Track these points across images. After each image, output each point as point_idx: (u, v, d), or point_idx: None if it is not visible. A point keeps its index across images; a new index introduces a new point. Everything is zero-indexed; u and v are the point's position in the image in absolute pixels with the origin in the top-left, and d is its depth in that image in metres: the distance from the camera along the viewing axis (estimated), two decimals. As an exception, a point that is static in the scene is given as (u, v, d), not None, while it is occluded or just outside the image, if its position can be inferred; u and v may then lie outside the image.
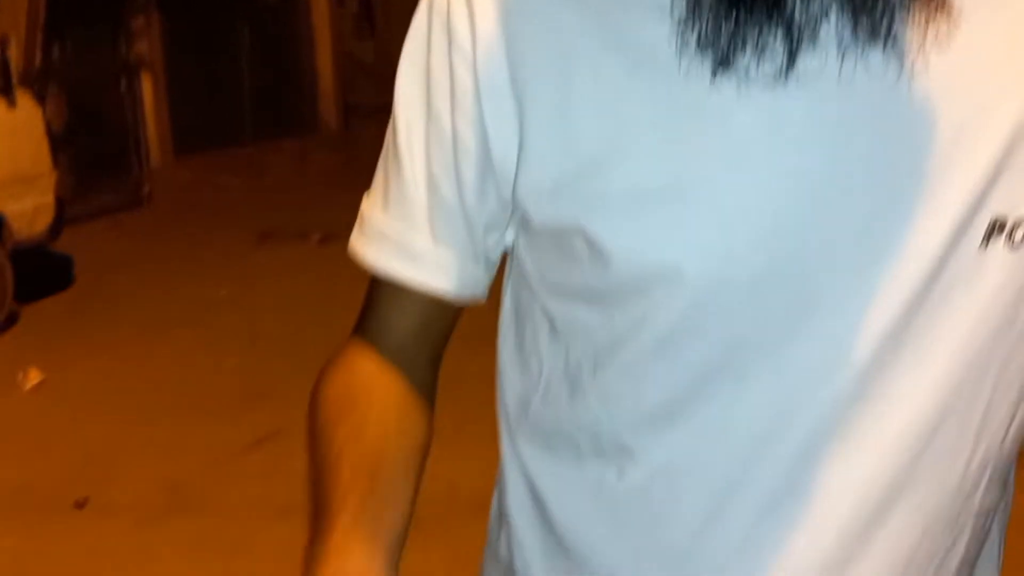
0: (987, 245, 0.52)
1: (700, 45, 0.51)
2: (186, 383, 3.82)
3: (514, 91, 0.58)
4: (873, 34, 0.49)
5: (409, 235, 0.63)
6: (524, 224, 0.61)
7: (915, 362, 0.54)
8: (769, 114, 0.52)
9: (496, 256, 0.66)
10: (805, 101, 0.51)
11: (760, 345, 0.55)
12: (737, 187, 0.53)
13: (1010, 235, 0.52)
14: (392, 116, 0.64)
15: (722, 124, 0.53)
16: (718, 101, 0.53)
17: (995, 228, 0.52)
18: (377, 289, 0.67)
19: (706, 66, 0.52)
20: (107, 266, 5.47)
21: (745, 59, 0.50)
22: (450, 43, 0.59)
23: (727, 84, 0.52)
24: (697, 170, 0.54)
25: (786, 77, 0.51)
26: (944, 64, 0.50)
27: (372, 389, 0.65)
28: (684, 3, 0.52)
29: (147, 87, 7.88)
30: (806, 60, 0.50)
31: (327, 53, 9.98)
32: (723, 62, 0.51)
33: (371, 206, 0.66)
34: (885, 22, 0.48)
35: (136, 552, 2.67)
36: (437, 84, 0.60)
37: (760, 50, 0.50)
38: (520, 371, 0.67)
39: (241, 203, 6.90)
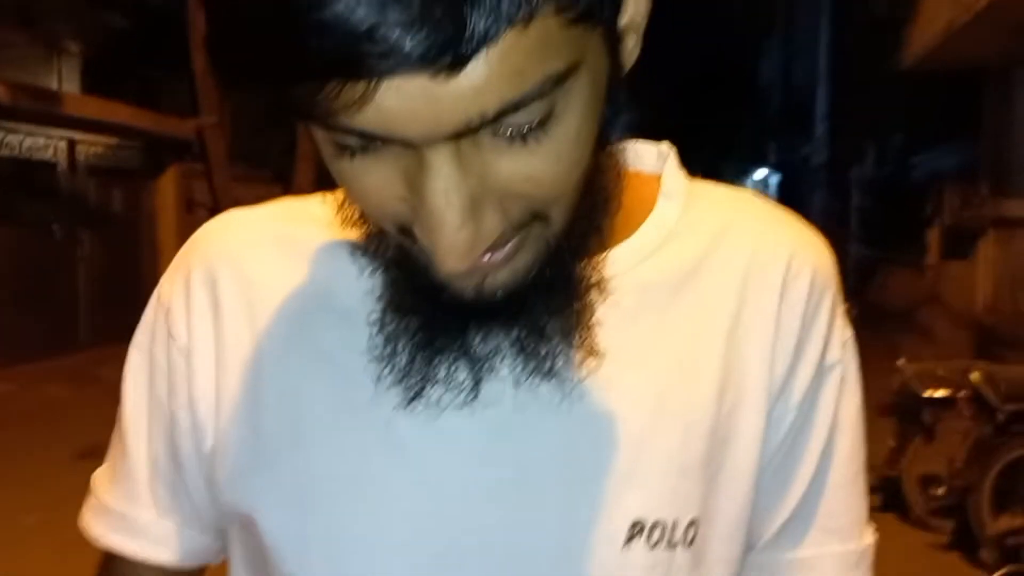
0: (629, 545, 0.59)
1: (395, 380, 0.58)
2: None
3: (216, 383, 0.64)
4: (539, 370, 0.57)
5: (133, 510, 0.69)
6: (221, 509, 0.66)
7: None
8: (450, 433, 0.59)
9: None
10: (485, 423, 0.59)
11: None
12: (401, 489, 0.59)
13: (648, 536, 0.59)
14: (121, 398, 0.70)
15: (399, 437, 0.59)
16: (404, 420, 0.59)
17: (635, 530, 0.59)
18: (109, 561, 0.71)
19: (399, 396, 0.58)
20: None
21: (436, 391, 0.58)
22: (169, 335, 0.66)
23: (417, 409, 0.58)
24: (363, 471, 0.60)
25: (471, 404, 0.58)
26: (594, 390, 0.60)
27: None
28: (382, 341, 0.58)
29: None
30: (487, 389, 0.58)
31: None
32: (417, 394, 0.58)
33: (100, 481, 0.72)
34: (548, 362, 0.57)
35: None
36: (158, 370, 0.67)
37: (448, 383, 0.58)
38: None
39: (66, 416, 6.48)
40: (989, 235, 8.86)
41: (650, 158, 0.68)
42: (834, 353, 0.65)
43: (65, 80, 9.40)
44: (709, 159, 22.53)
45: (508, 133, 0.46)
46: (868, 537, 0.69)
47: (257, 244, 0.66)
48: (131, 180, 10.33)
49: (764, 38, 26.53)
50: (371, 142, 0.46)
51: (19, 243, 8.34)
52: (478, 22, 0.40)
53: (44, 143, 9.09)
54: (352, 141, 0.46)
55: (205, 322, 0.65)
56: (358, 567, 0.59)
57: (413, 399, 0.58)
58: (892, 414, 4.40)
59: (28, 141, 8.89)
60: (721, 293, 0.63)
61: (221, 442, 0.64)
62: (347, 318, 0.61)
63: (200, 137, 8.39)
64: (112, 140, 9.92)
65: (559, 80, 0.45)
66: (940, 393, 4.19)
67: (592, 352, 0.58)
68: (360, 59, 0.40)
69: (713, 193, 0.68)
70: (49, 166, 9.20)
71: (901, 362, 4.45)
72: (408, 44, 0.40)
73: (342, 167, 0.49)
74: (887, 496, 4.35)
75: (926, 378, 4.27)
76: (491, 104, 0.43)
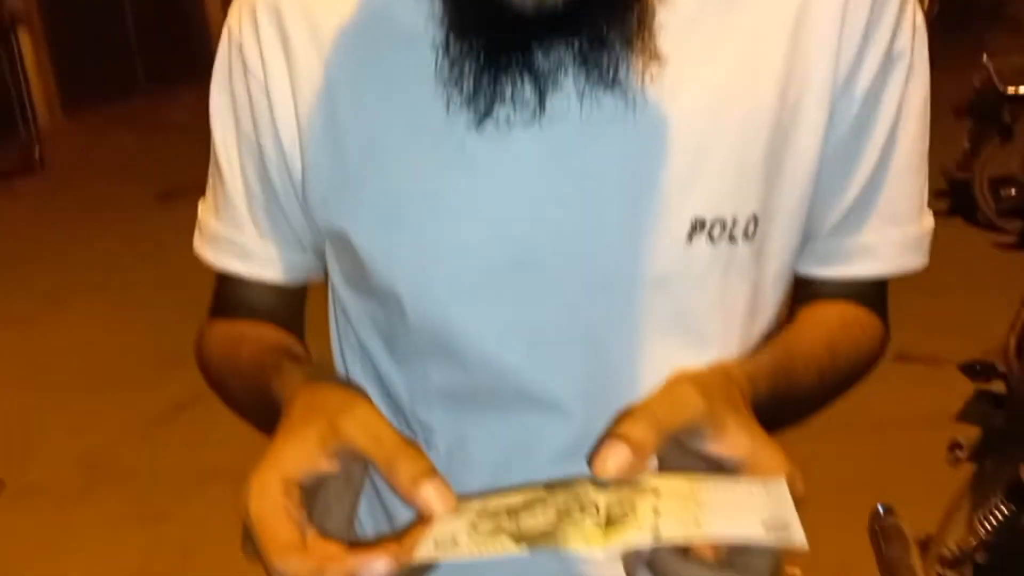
0: (691, 241, 0.62)
1: (464, 101, 0.60)
2: (97, 353, 3.74)
3: (296, 112, 0.67)
4: (602, 81, 0.59)
5: (239, 235, 0.74)
6: (315, 226, 0.71)
7: (638, 341, 0.64)
8: (519, 148, 0.61)
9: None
10: (552, 137, 0.61)
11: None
12: (476, 202, 0.62)
13: (710, 232, 0.62)
14: (211, 133, 0.74)
15: (471, 154, 0.62)
16: (475, 139, 0.61)
17: (697, 227, 0.62)
18: (224, 283, 0.77)
19: (469, 117, 0.61)
20: (3, 236, 5.25)
21: (504, 110, 0.60)
22: (245, 71, 0.69)
23: (487, 129, 0.61)
24: (442, 186, 0.63)
25: (538, 120, 0.60)
26: (656, 96, 0.61)
27: (256, 328, 0.74)
28: (447, 64, 0.60)
29: (26, 44, 7.47)
30: (553, 104, 0.60)
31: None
32: (486, 114, 0.60)
33: (206, 212, 0.77)
34: (611, 71, 0.59)
35: (59, 532, 2.65)
36: (241, 105, 0.70)
37: (515, 100, 0.60)
38: (340, 355, 0.77)
39: (139, 160, 6.66)
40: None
41: None
42: (903, 41, 0.64)
43: None
44: None
45: None
46: (927, 222, 0.71)
47: None
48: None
49: None
50: None
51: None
52: None
53: None
54: None
55: (277, 54, 0.67)
56: (440, 273, 0.64)
57: (483, 119, 0.60)
58: (970, 114, 4.25)
59: None
60: None
61: (308, 167, 0.67)
62: (411, 42, 0.62)
63: None
64: None
65: None
66: (1024, 89, 4.00)
67: (654, 58, 0.59)
68: None
69: None
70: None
71: (985, 58, 4.22)
72: None
73: None
74: (956, 200, 4.31)
75: (1010, 74, 4.07)
76: None
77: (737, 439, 0.51)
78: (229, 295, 0.77)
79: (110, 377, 3.52)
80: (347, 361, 0.76)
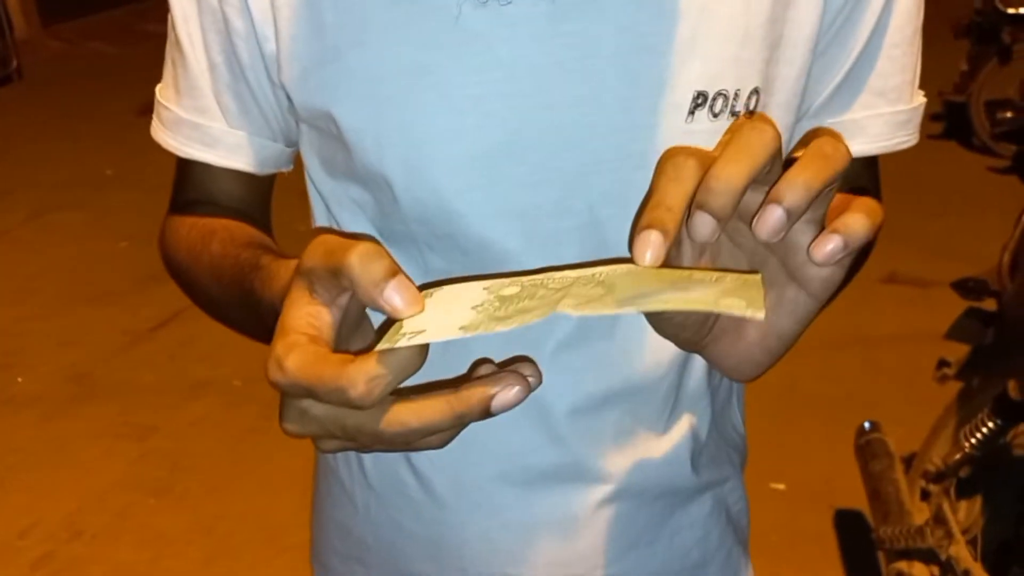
0: (693, 115, 0.60)
1: None
2: (81, 269, 3.70)
3: None
4: None
5: (204, 120, 0.68)
6: (292, 110, 0.66)
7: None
8: (516, 18, 0.58)
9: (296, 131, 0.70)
10: (549, 6, 0.58)
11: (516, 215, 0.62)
12: (470, 75, 0.59)
13: (711, 105, 0.60)
14: (169, 8, 0.67)
15: (465, 25, 0.58)
16: (470, 9, 0.58)
17: (699, 101, 0.60)
18: (187, 172, 0.72)
19: None
20: (-19, 150, 5.14)
21: None
22: None
23: (478, 4, 0.57)
24: (432, 60, 0.59)
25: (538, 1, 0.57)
26: None
27: (224, 222, 0.69)
28: None
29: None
30: None
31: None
32: None
33: (165, 95, 0.71)
34: None
35: (46, 445, 2.65)
36: None
37: None
38: None
39: (118, 72, 6.49)
40: None
41: None
42: None
43: None
44: None
45: None
46: (918, 99, 0.70)
47: None
48: None
49: None
50: None
51: None
52: None
53: None
54: None
55: None
56: (432, 152, 0.60)
57: None
58: (968, 34, 4.17)
59: None
60: None
61: (284, 42, 0.62)
62: None
63: None
64: None
65: None
66: (1024, 9, 3.93)
67: None
68: None
69: None
70: None
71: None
72: None
73: None
74: (951, 123, 4.27)
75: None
76: None
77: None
78: (192, 185, 0.72)
79: (94, 293, 3.48)
80: None
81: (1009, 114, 4.11)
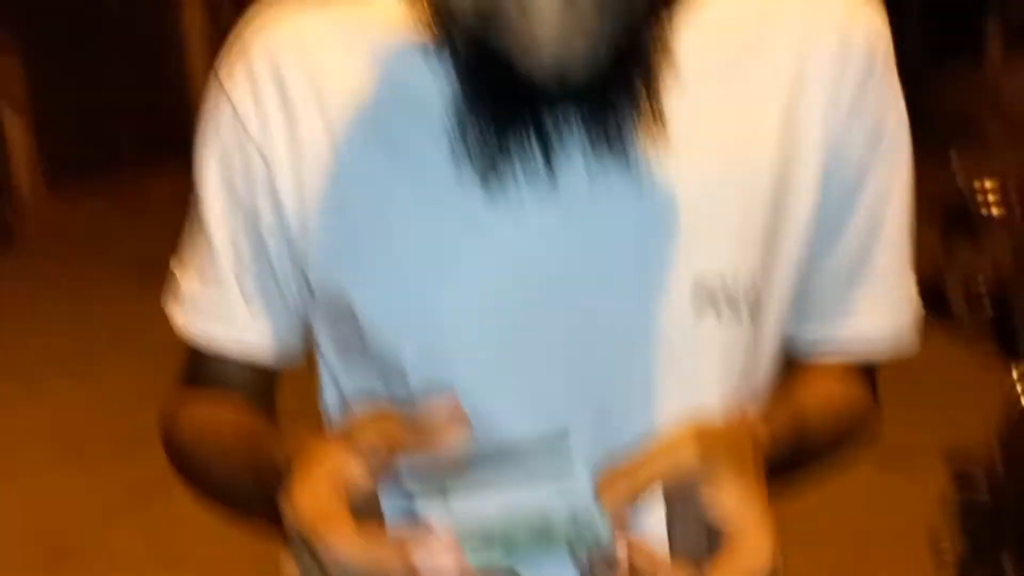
0: (695, 312, 0.63)
1: (474, 171, 0.60)
2: (67, 435, 3.66)
3: (297, 178, 0.65)
4: (611, 149, 0.59)
5: (224, 302, 0.69)
6: (310, 292, 0.68)
7: (646, 415, 0.64)
8: (528, 219, 0.62)
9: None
10: (560, 208, 0.62)
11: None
12: (485, 268, 0.62)
13: (713, 302, 0.63)
14: (196, 191, 0.69)
15: (481, 223, 0.62)
16: (485, 209, 0.61)
17: (701, 293, 0.63)
18: (199, 356, 0.72)
19: (478, 186, 0.61)
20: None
21: (514, 182, 0.60)
22: (241, 130, 0.66)
23: (497, 196, 0.61)
24: (449, 251, 0.62)
25: (548, 193, 0.61)
26: (661, 162, 0.62)
27: (237, 410, 0.70)
28: (458, 134, 0.60)
29: (10, 118, 7.48)
30: (562, 176, 0.61)
31: (201, 66, 9.64)
32: (497, 183, 0.60)
33: (186, 278, 0.72)
34: (618, 141, 0.59)
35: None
36: (234, 165, 0.67)
37: (525, 172, 0.60)
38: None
39: (122, 236, 6.62)
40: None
41: None
42: (891, 121, 0.68)
43: None
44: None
45: None
46: (916, 307, 0.74)
47: (322, 35, 0.65)
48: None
49: None
50: None
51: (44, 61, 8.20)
52: None
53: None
54: None
55: (276, 115, 0.65)
56: (447, 339, 0.63)
57: (494, 188, 0.60)
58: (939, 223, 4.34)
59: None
60: (779, 61, 0.65)
61: (310, 232, 0.65)
62: (422, 112, 0.63)
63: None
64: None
65: None
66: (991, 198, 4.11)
67: (659, 122, 0.60)
68: None
69: None
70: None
71: (955, 162, 4.35)
72: None
73: None
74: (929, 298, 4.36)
75: (978, 183, 4.18)
76: None
77: (726, 497, 0.52)
78: (202, 369, 0.72)
79: (78, 460, 3.42)
80: None
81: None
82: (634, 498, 0.52)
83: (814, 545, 2.71)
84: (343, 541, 0.47)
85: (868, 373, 0.76)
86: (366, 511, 0.50)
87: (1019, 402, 1.90)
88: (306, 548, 0.48)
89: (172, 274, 0.73)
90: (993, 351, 4.19)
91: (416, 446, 0.53)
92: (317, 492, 0.50)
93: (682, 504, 0.53)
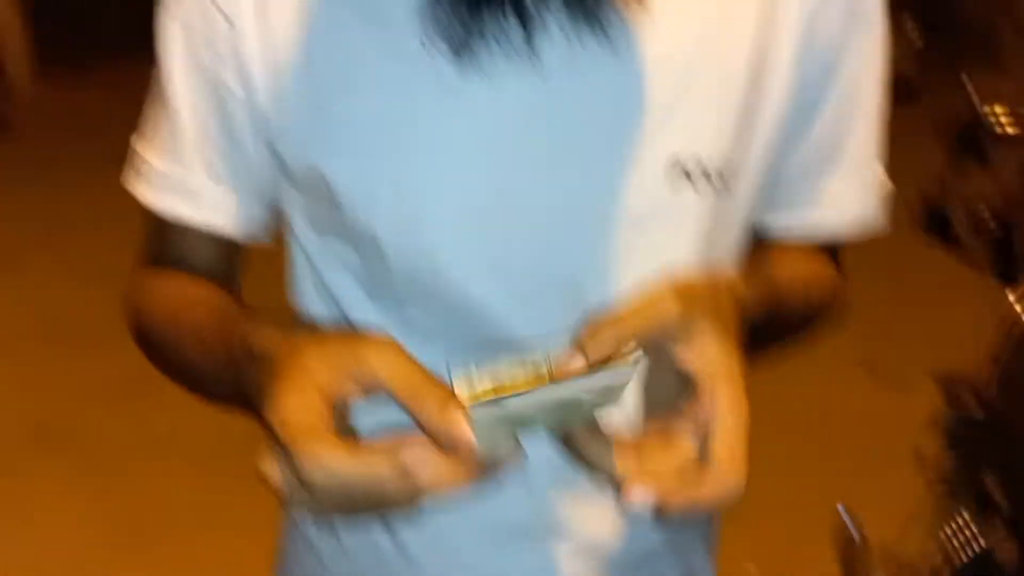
0: (671, 183, 0.62)
1: (444, 31, 0.58)
2: (51, 314, 3.64)
3: (263, 43, 0.62)
4: (589, 22, 0.58)
5: (186, 174, 0.67)
6: (282, 168, 0.65)
7: (617, 288, 0.63)
8: (503, 85, 0.59)
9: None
10: (535, 77, 0.60)
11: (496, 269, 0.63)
12: (456, 136, 0.60)
13: (687, 174, 0.62)
14: (157, 62, 0.66)
15: (451, 85, 0.59)
16: (456, 71, 0.59)
17: (675, 169, 0.62)
18: (162, 230, 0.71)
19: (445, 49, 0.58)
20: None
21: (488, 44, 0.58)
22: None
23: (469, 61, 0.59)
24: (419, 114, 0.60)
25: (523, 56, 0.59)
26: (639, 36, 0.60)
27: (204, 288, 0.68)
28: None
29: (2, 6, 7.30)
30: (540, 46, 0.59)
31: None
32: (462, 49, 0.58)
33: (148, 148, 0.69)
34: (597, 13, 0.58)
35: (3, 498, 2.56)
36: (197, 34, 0.64)
37: (499, 35, 0.58)
38: (303, 307, 0.72)
39: (113, 124, 6.48)
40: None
41: None
42: (867, 3, 0.67)
43: None
44: None
45: None
46: (883, 182, 0.74)
47: None
48: None
49: None
50: None
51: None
52: None
53: None
54: None
55: None
56: (422, 209, 0.61)
57: (465, 55, 0.58)
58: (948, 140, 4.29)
59: None
60: None
61: (278, 99, 0.62)
62: None
63: None
64: None
65: None
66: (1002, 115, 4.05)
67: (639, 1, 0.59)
68: None
69: None
70: None
71: (965, 80, 4.27)
72: None
73: None
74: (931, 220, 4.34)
75: (988, 107, 4.11)
76: None
77: (704, 348, 0.52)
78: (166, 245, 0.71)
79: (64, 340, 3.42)
80: (313, 313, 0.71)
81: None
82: (617, 347, 0.52)
83: (806, 460, 2.74)
84: (332, 453, 0.47)
85: (835, 251, 0.77)
86: (343, 428, 0.50)
87: (1017, 322, 1.88)
88: (288, 460, 0.48)
89: (133, 150, 0.70)
90: (993, 273, 4.19)
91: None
92: (305, 406, 0.48)
93: (657, 356, 0.54)
